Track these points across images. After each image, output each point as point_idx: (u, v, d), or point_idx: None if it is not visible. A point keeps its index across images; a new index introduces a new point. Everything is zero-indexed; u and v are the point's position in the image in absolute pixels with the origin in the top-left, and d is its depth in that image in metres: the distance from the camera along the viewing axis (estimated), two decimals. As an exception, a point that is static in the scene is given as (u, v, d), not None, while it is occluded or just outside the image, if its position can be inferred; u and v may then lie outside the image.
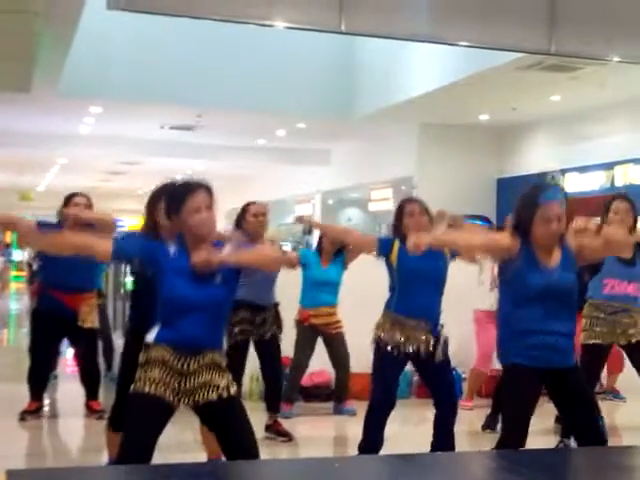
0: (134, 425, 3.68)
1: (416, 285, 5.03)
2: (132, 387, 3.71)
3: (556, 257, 4.15)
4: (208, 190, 3.73)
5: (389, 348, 5.03)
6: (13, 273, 28.35)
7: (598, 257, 4.89)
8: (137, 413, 3.69)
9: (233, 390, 3.74)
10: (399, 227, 5.16)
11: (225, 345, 3.90)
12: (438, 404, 5.16)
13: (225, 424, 3.72)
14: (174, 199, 3.74)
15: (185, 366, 3.66)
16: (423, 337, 5.02)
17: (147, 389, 3.64)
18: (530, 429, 4.13)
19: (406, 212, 5.16)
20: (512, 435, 4.14)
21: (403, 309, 5.07)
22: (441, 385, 5.16)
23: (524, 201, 4.17)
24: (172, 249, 3.73)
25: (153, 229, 4.31)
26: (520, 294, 4.12)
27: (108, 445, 4.82)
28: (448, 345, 5.14)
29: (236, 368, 5.77)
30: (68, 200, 6.57)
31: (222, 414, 3.71)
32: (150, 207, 4.50)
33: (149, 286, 3.84)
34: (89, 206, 6.56)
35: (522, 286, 4.10)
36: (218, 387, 3.69)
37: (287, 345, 6.61)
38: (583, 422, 4.16)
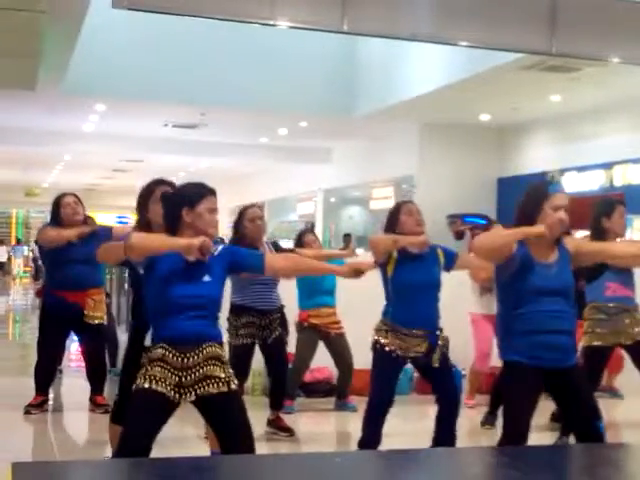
0: (135, 419, 3.75)
1: (412, 296, 5.04)
2: (135, 384, 3.77)
3: (553, 256, 4.19)
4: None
5: (387, 349, 5.06)
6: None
7: (593, 261, 4.94)
8: (139, 408, 3.76)
9: (234, 385, 3.80)
10: (394, 227, 5.16)
11: (224, 339, 3.95)
12: (441, 403, 5.17)
13: (223, 418, 3.78)
14: (193, 195, 3.85)
15: (185, 361, 3.73)
16: (421, 345, 5.04)
17: (148, 385, 3.71)
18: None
19: (404, 211, 5.17)
20: (513, 434, 4.14)
21: (400, 319, 5.05)
22: (442, 385, 5.17)
23: (531, 193, 4.23)
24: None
25: (146, 227, 4.41)
26: (519, 293, 4.13)
27: (111, 439, 4.89)
28: (448, 347, 5.15)
29: (241, 369, 5.81)
30: (59, 200, 6.69)
31: (221, 408, 3.77)
32: (141, 206, 4.59)
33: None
34: (78, 202, 6.68)
35: (521, 285, 4.12)
36: (218, 380, 3.76)
37: (290, 342, 6.66)
38: (582, 423, 4.19)
